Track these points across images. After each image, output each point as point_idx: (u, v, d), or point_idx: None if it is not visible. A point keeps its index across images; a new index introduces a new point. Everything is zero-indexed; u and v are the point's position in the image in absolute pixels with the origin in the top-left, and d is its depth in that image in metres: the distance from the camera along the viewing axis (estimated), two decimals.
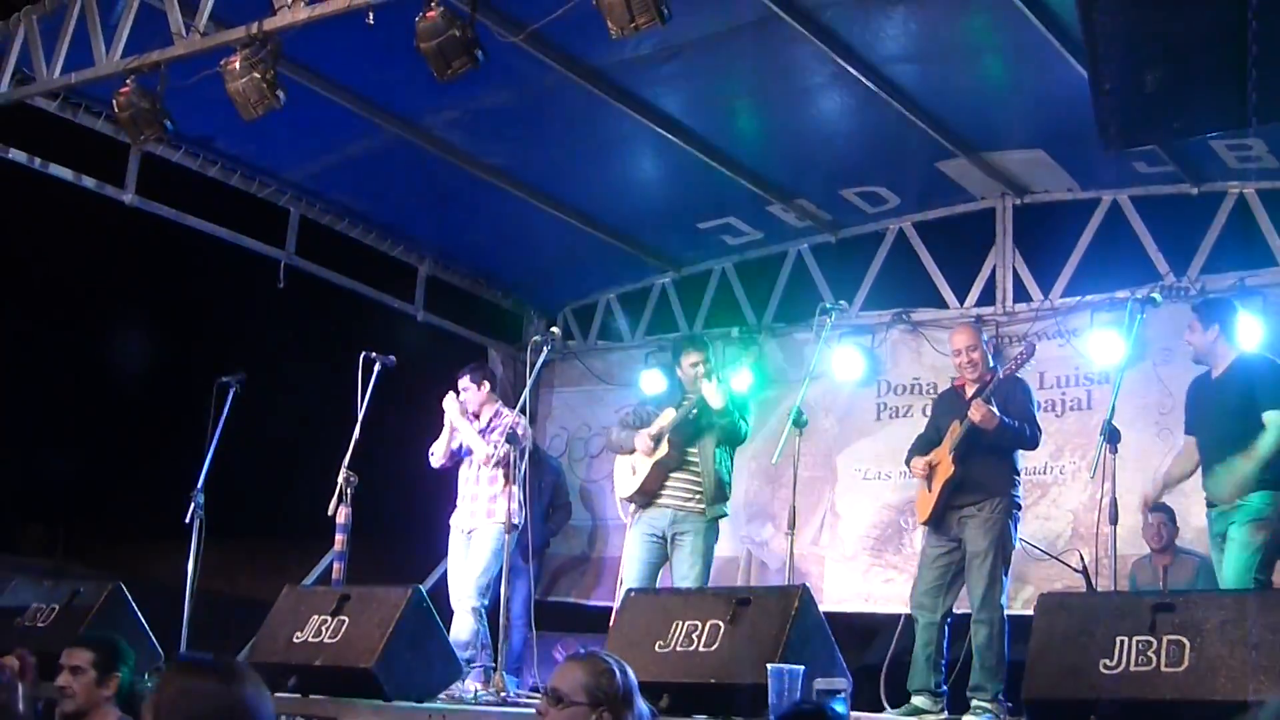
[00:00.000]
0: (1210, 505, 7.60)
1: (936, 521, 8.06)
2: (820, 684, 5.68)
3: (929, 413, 9.05)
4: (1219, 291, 9.93)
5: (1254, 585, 7.09)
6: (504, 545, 9.10)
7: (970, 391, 8.16)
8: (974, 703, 7.64)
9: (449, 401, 9.48)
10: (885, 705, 8.25)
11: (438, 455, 9.51)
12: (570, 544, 12.29)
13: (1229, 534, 7.34)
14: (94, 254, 13.44)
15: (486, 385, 9.69)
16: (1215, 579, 7.66)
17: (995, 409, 7.82)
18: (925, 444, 8.32)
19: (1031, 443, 8.24)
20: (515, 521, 9.18)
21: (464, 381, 9.63)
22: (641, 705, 4.15)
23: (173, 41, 8.68)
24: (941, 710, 7.84)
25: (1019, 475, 8.17)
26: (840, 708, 5.27)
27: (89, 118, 10.18)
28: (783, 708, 4.13)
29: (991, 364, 8.32)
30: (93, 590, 8.57)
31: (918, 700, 7.84)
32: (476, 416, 9.56)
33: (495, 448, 9.18)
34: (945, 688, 7.97)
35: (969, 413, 7.85)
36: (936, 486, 8.02)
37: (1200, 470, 7.72)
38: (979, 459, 7.94)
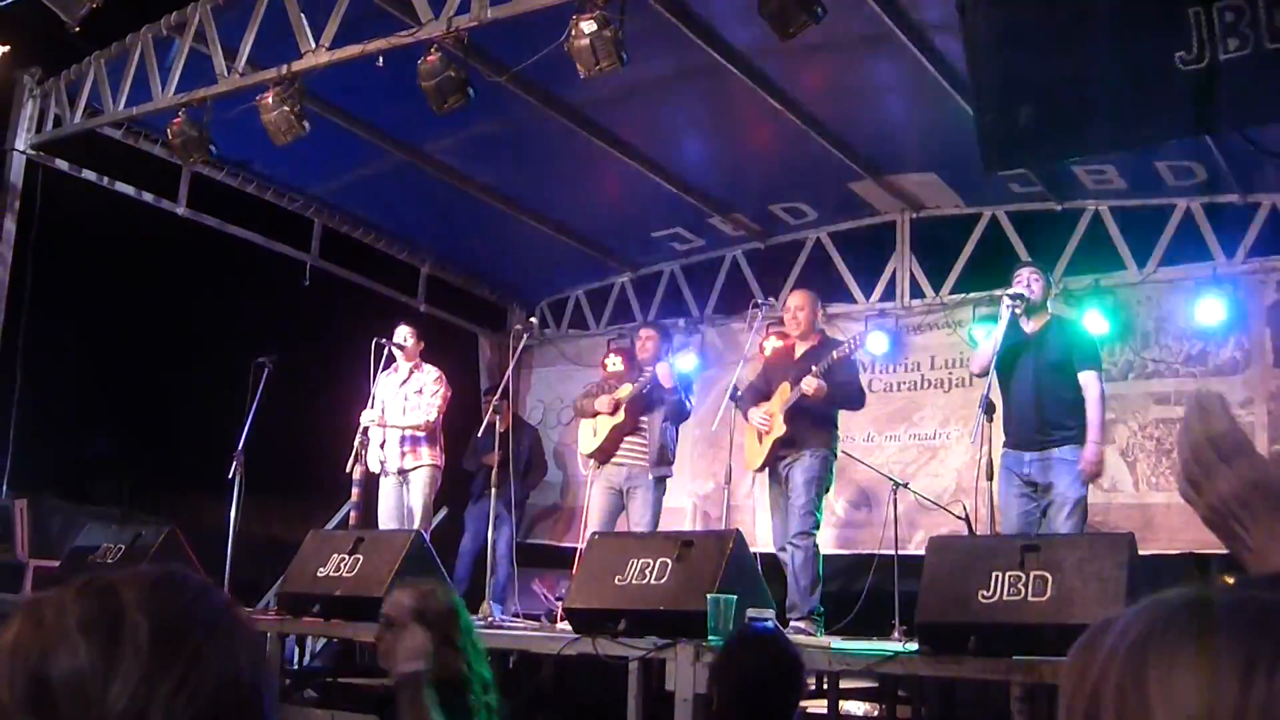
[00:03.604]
0: (1015, 447, 7.23)
1: (769, 470, 7.87)
2: (751, 612, 5.67)
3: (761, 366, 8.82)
4: (1078, 290, 9.97)
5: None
6: (435, 485, 9.12)
7: (798, 351, 7.98)
8: (790, 620, 7.41)
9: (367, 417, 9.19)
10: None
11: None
12: (545, 495, 12.24)
13: (1053, 482, 7.05)
14: (152, 256, 13.34)
15: (422, 343, 9.53)
16: None
17: (823, 381, 7.60)
18: (755, 394, 8.07)
19: (856, 404, 8.07)
20: (438, 464, 9.17)
21: (406, 332, 9.39)
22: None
23: (217, 80, 8.66)
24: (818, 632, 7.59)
25: (838, 430, 8.00)
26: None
27: (148, 144, 10.16)
28: (722, 632, 4.05)
29: (819, 328, 8.17)
30: (152, 533, 8.51)
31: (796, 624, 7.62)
32: (404, 361, 9.35)
33: (433, 415, 9.17)
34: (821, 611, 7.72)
35: (802, 387, 7.66)
36: (768, 443, 7.81)
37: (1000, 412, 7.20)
38: (804, 420, 7.75)
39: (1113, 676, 0.93)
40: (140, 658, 1.03)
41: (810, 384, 7.62)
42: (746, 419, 8.07)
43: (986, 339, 7.62)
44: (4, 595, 8.47)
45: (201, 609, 1.10)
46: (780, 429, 7.78)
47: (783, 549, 7.81)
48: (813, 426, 7.79)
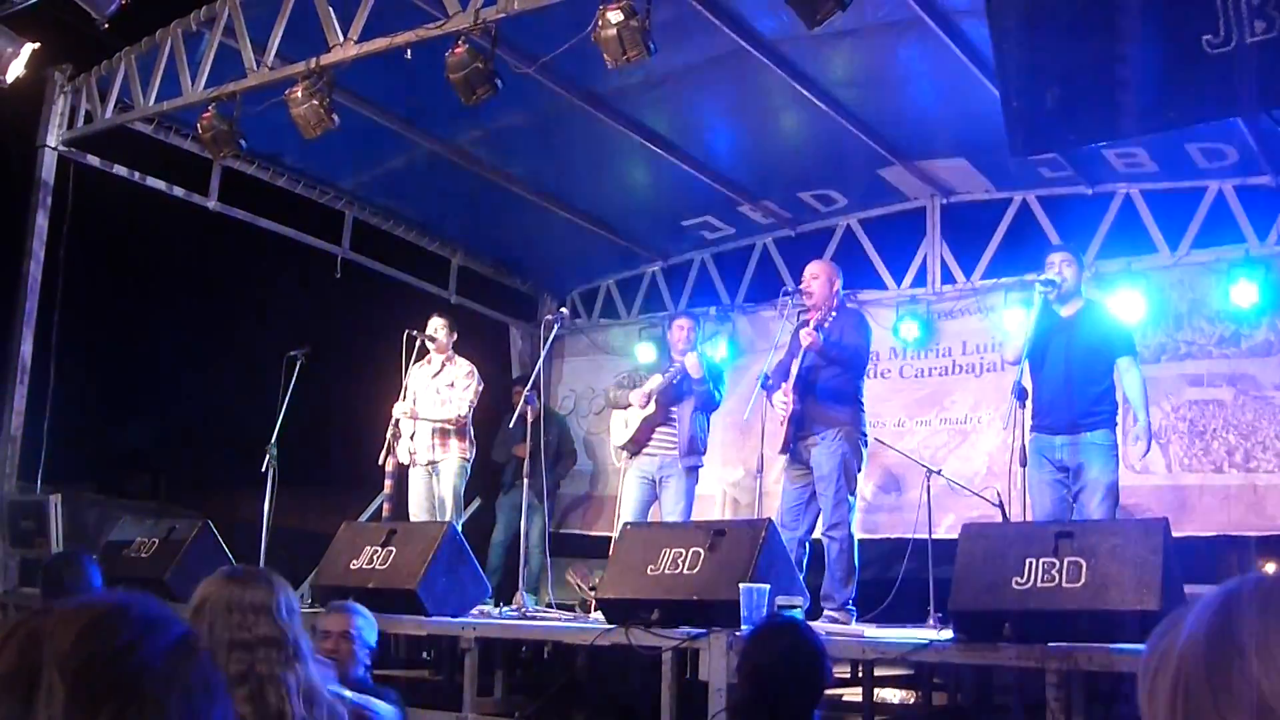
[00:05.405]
0: (1046, 431, 7.14)
1: (791, 451, 7.71)
2: (780, 600, 5.68)
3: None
4: (1110, 274, 9.92)
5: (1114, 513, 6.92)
6: (465, 476, 9.09)
7: (813, 322, 7.70)
8: (824, 610, 7.33)
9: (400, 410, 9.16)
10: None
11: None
12: (576, 485, 12.28)
13: (1085, 466, 6.99)
14: (184, 250, 13.43)
15: (454, 335, 9.53)
16: None
17: (822, 335, 7.47)
18: (781, 370, 7.90)
19: (851, 361, 7.72)
20: (467, 457, 9.16)
21: (439, 324, 9.36)
22: None
23: (246, 74, 8.71)
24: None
25: (863, 411, 7.82)
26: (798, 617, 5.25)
27: (178, 138, 10.22)
28: (755, 622, 4.07)
29: (842, 297, 7.96)
30: (186, 527, 8.57)
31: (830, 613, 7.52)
32: (436, 354, 9.32)
33: (464, 409, 9.14)
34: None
35: (800, 337, 7.59)
36: (784, 421, 7.70)
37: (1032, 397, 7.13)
38: (816, 396, 7.59)
39: (1203, 656, 0.95)
40: None
41: (806, 336, 7.53)
42: (771, 400, 8.00)
43: (1018, 327, 7.59)
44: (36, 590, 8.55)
45: (132, 659, 1.02)
46: (793, 404, 7.64)
47: (783, 525, 7.71)
48: (827, 402, 7.64)
